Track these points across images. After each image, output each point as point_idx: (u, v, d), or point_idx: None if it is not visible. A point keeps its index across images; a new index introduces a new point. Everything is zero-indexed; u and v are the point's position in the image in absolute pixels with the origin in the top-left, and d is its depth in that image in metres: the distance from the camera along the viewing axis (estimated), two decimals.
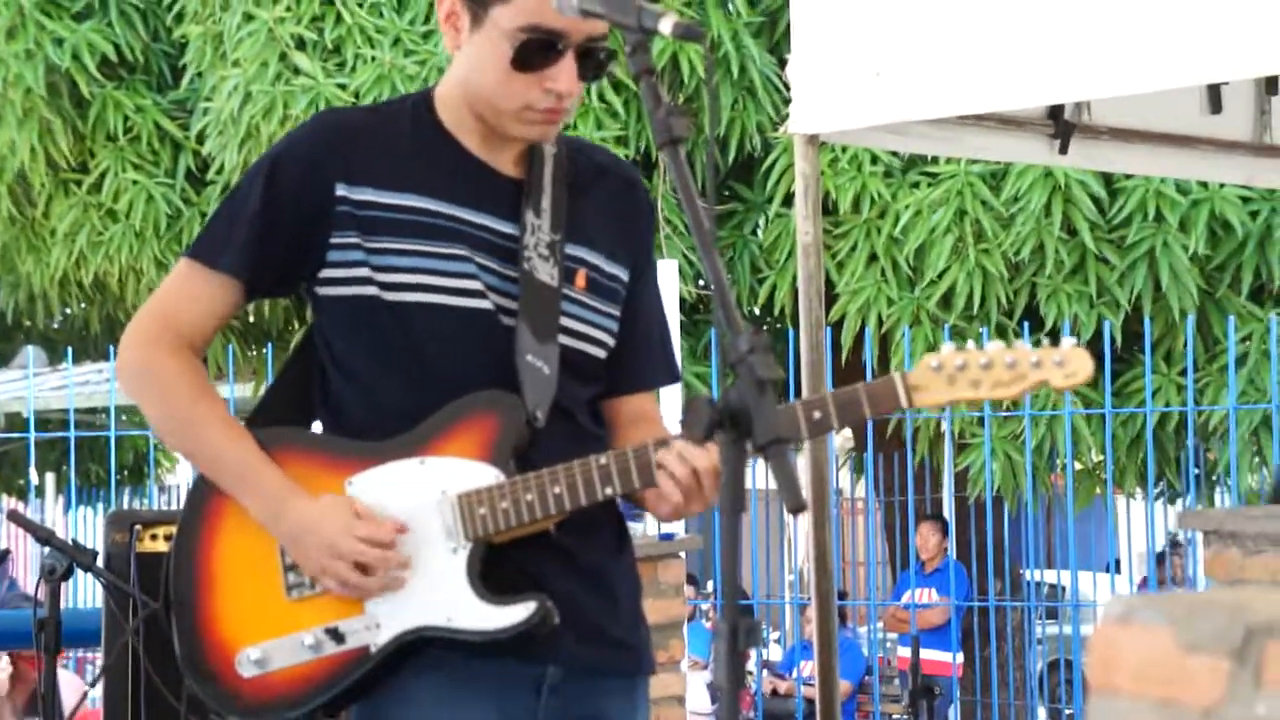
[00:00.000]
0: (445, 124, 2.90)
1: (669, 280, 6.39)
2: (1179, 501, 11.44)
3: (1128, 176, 9.81)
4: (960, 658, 11.58)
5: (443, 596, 2.80)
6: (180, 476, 17.90)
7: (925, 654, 10.61)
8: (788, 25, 8.39)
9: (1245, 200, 10.08)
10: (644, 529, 6.31)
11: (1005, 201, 10.24)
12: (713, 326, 10.49)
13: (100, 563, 4.40)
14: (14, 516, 4.88)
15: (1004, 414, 10.32)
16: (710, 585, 15.25)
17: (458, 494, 2.80)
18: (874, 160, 10.52)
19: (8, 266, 13.02)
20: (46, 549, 4.43)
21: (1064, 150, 5.77)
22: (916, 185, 10.48)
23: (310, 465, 2.86)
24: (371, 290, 2.82)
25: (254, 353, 12.62)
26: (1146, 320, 9.90)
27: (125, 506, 16.16)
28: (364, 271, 2.82)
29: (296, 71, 10.77)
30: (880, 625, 12.31)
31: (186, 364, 2.90)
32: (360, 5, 10.84)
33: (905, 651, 11.08)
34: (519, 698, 2.84)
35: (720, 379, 9.55)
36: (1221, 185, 9.74)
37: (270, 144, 10.37)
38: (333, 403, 2.91)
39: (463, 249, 2.83)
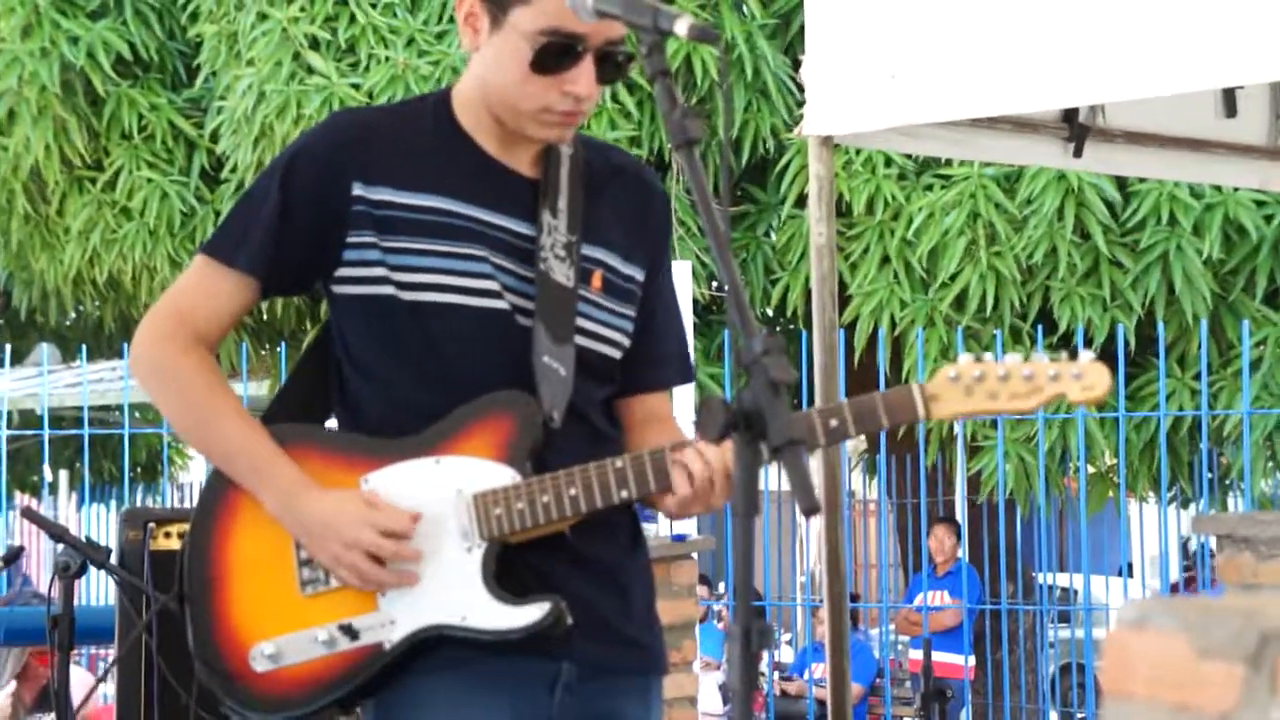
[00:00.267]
0: (463, 124, 2.90)
1: (683, 281, 6.39)
2: (1192, 506, 11.42)
3: (1141, 180, 9.80)
4: (972, 661, 11.56)
5: (457, 595, 2.80)
6: (194, 474, 17.91)
7: (937, 657, 10.59)
8: (801, 27, 8.37)
9: (1260, 204, 10.07)
10: (657, 530, 6.31)
11: (1018, 204, 10.24)
12: (726, 327, 10.49)
13: (114, 560, 4.41)
14: (28, 514, 4.90)
15: (1017, 417, 10.30)
16: (723, 586, 15.26)
17: (473, 494, 2.80)
18: (888, 163, 10.51)
19: (22, 264, 13.04)
20: (60, 546, 4.44)
21: (1078, 153, 5.76)
22: (930, 188, 10.48)
23: (326, 462, 2.87)
24: (388, 290, 2.82)
25: (267, 351, 12.63)
26: (1160, 324, 9.88)
27: (139, 504, 16.19)
28: (381, 271, 2.82)
29: (310, 71, 10.79)
30: (892, 628, 12.30)
31: (201, 360, 2.90)
32: (374, 5, 10.85)
33: (917, 654, 11.08)
34: (533, 696, 2.84)
35: (734, 380, 9.54)
36: (1236, 189, 9.73)
37: (284, 143, 10.48)
38: (350, 400, 2.91)
39: (479, 249, 2.83)
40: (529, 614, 2.79)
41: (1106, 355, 10.21)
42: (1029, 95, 4.85)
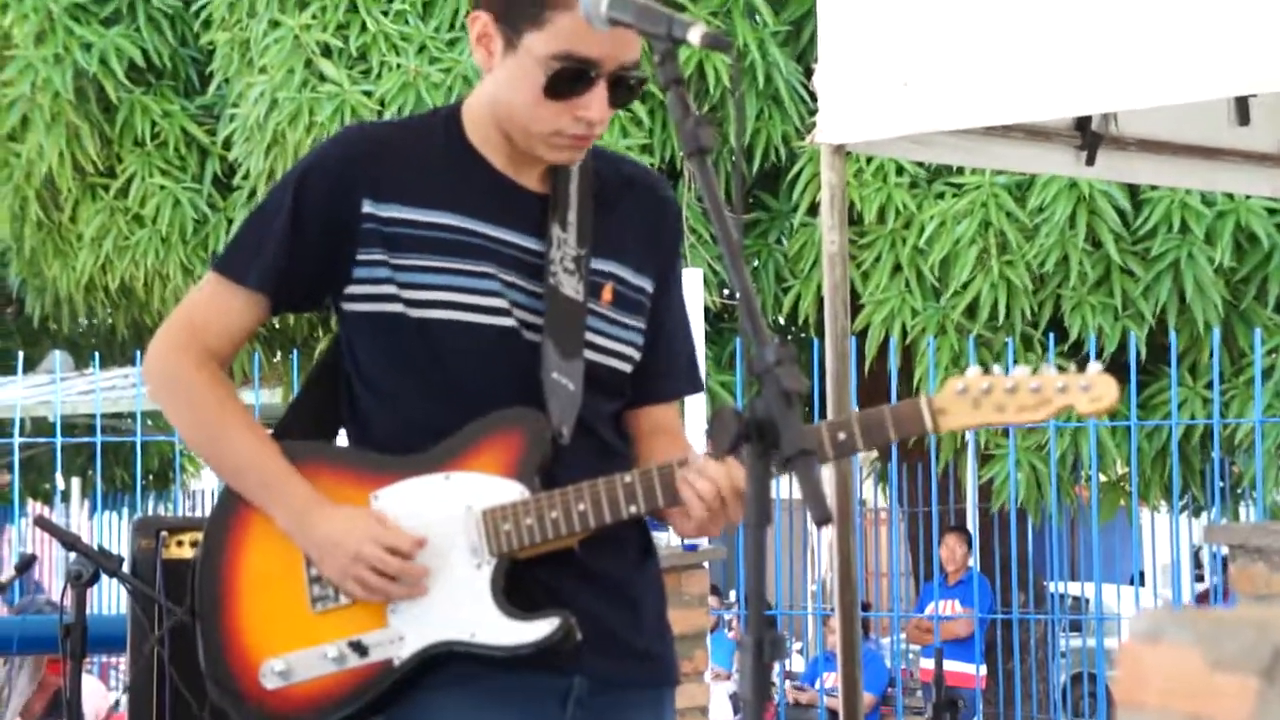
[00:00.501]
0: (472, 140, 2.89)
1: (694, 289, 6.39)
2: (1204, 514, 11.41)
3: (1153, 188, 9.79)
4: (983, 670, 11.55)
5: (466, 611, 2.80)
6: (205, 482, 17.94)
7: (948, 666, 10.58)
8: (813, 34, 8.36)
9: (1272, 212, 10.06)
10: (668, 539, 6.30)
11: (1030, 213, 10.23)
12: (737, 335, 10.49)
13: (126, 568, 4.41)
14: (41, 522, 4.90)
15: (1028, 426, 10.29)
16: (733, 595, 15.25)
17: (483, 510, 2.80)
18: (899, 171, 10.51)
19: (35, 271, 13.07)
20: (72, 554, 4.44)
21: (1091, 161, 5.75)
22: (941, 196, 10.47)
23: (336, 479, 2.87)
24: (398, 307, 2.82)
25: (279, 359, 12.64)
26: (1172, 332, 9.87)
27: (151, 512, 16.19)
28: (390, 289, 2.82)
29: (322, 78, 10.80)
30: (903, 637, 12.29)
31: (213, 375, 2.91)
32: (385, 13, 10.87)
33: (928, 663, 11.06)
34: (544, 711, 2.84)
35: (745, 388, 9.54)
36: (1248, 197, 9.72)
37: (296, 151, 10.51)
38: (359, 416, 2.92)
39: (488, 266, 2.83)
40: (538, 629, 2.79)
41: (1118, 364, 10.24)
42: (1041, 103, 4.84)
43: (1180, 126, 5.80)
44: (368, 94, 10.66)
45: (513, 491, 2.80)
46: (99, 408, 10.99)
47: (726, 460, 2.72)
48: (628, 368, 2.94)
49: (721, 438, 2.24)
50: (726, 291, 10.94)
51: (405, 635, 2.82)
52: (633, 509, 2.78)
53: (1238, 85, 4.75)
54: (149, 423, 11.37)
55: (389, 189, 2.84)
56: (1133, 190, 10.05)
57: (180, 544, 4.43)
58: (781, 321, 11.52)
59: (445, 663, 2.82)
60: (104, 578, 4.47)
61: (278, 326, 12.00)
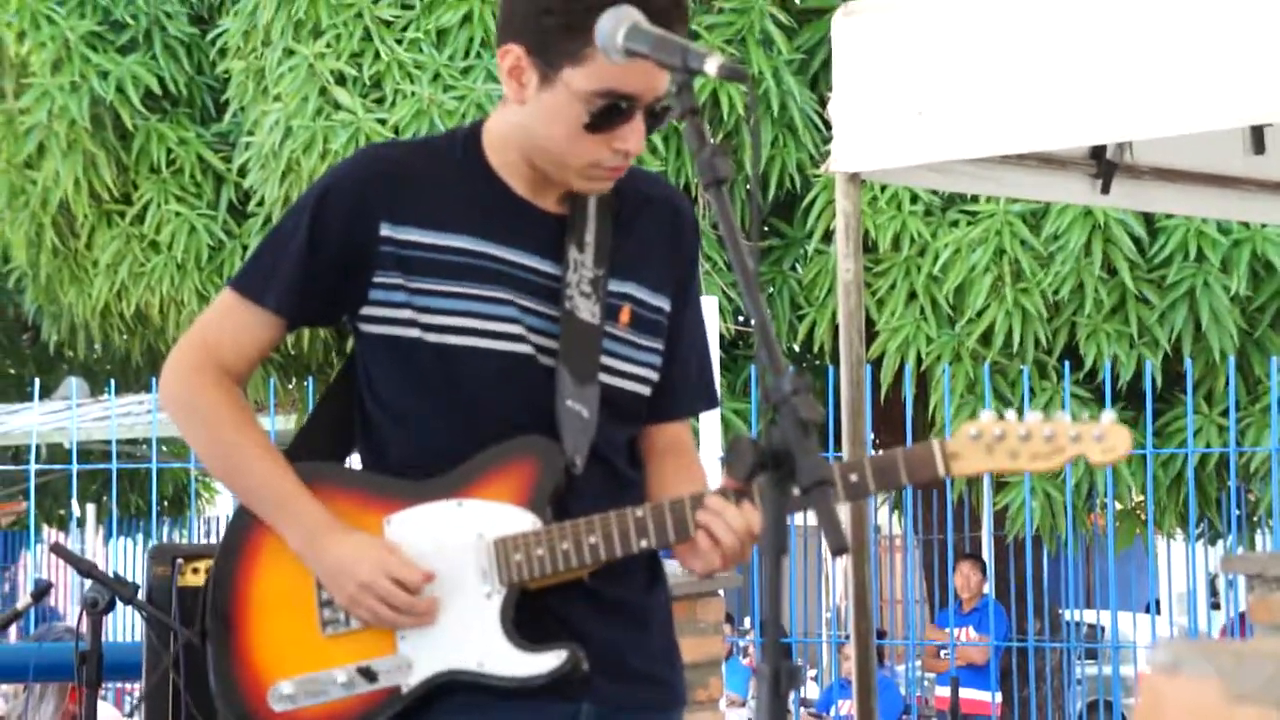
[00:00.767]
0: (492, 162, 2.89)
1: (709, 316, 6.39)
2: (1219, 542, 11.38)
3: (1168, 216, 9.78)
4: (999, 698, 11.52)
5: (475, 641, 2.80)
6: (221, 508, 17.95)
7: (964, 694, 10.56)
8: (827, 61, 8.36)
9: None
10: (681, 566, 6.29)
11: (1045, 240, 10.23)
12: (752, 363, 10.49)
13: (142, 596, 4.41)
14: (57, 549, 4.91)
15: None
16: (748, 622, 15.22)
17: (494, 539, 2.80)
18: (914, 199, 10.52)
19: (50, 297, 13.10)
20: (88, 582, 4.44)
21: (1106, 190, 5.76)
22: (956, 224, 10.48)
23: (349, 502, 2.87)
24: (414, 332, 2.82)
25: (294, 385, 12.66)
26: (1187, 360, 9.86)
27: (165, 538, 16.21)
28: (407, 313, 2.82)
29: (337, 106, 10.84)
30: (919, 664, 12.26)
31: (229, 394, 2.91)
32: (400, 41, 10.90)
33: (944, 691, 11.04)
34: None
35: (759, 415, 9.53)
36: (1264, 225, 9.71)
37: (311, 178, 10.53)
38: (373, 435, 2.92)
39: (505, 292, 2.82)
40: (546, 662, 2.79)
41: (1133, 391, 10.24)
42: (1057, 132, 4.85)
43: (1195, 155, 5.80)
44: (382, 122, 10.69)
45: (525, 521, 2.80)
46: (114, 434, 11.01)
47: (741, 503, 2.73)
48: (645, 390, 2.93)
49: (738, 467, 2.24)
50: (741, 318, 10.95)
51: (414, 663, 2.82)
52: (644, 543, 2.78)
53: (1253, 114, 4.75)
54: (164, 449, 11.40)
55: (406, 212, 2.84)
56: (1148, 218, 10.04)
57: (196, 571, 4.43)
58: (796, 349, 11.52)
59: (453, 691, 2.82)
60: (119, 605, 4.47)
61: (293, 353, 12.03)
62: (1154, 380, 9.82)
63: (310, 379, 11.33)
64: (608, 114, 2.75)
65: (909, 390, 9.86)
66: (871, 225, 10.38)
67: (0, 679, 6.48)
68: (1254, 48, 4.37)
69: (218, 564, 2.95)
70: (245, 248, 11.62)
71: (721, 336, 9.70)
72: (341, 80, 10.89)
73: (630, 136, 2.77)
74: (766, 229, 11.16)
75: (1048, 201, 9.67)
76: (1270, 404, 9.51)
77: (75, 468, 10.75)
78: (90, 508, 16.28)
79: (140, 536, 15.93)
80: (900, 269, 10.53)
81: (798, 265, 11.18)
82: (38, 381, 12.15)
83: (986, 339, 10.36)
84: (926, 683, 12.78)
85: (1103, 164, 5.72)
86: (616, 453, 2.90)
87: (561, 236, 2.87)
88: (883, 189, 10.35)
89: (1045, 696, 12.02)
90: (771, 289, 11.04)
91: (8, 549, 18.56)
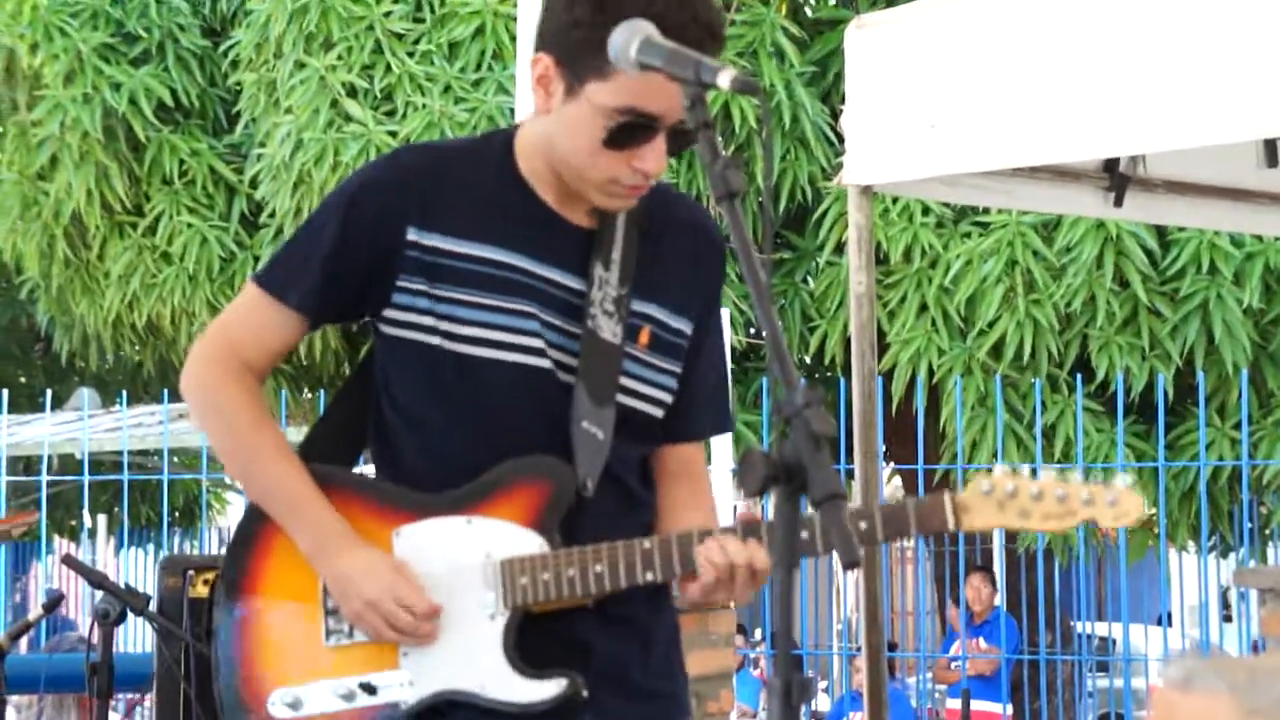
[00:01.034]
0: (523, 172, 2.88)
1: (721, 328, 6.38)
2: (1232, 555, 11.36)
3: (1181, 229, 9.77)
4: (1010, 710, 11.51)
5: (477, 663, 2.81)
6: (232, 519, 17.95)
7: (975, 706, 10.55)
8: (839, 74, 8.34)
9: None
10: None
11: (1057, 252, 10.22)
12: (763, 375, 10.49)
13: (153, 607, 4.42)
14: (69, 561, 4.92)
15: (1056, 465, 10.27)
16: (759, 634, 15.22)
17: (501, 559, 2.80)
18: (925, 210, 10.51)
19: (62, 308, 13.12)
20: (100, 593, 4.45)
21: (1119, 203, 5.76)
22: (968, 235, 10.46)
23: (361, 510, 2.87)
24: (435, 339, 2.82)
25: (306, 397, 12.67)
26: (1200, 373, 9.85)
27: (177, 549, 16.23)
28: (429, 320, 2.82)
29: (348, 119, 10.85)
30: (930, 676, 12.25)
31: (248, 391, 2.91)
32: (411, 53, 10.91)
33: (955, 704, 11.02)
34: None
35: (771, 427, 9.53)
36: (1277, 238, 9.69)
37: (322, 190, 10.55)
38: (386, 437, 2.91)
39: (528, 305, 2.82)
40: (546, 689, 2.79)
41: (1145, 404, 10.22)
42: (1069, 145, 4.85)
43: (1208, 168, 5.80)
44: (393, 134, 10.70)
45: (532, 544, 2.80)
46: (126, 445, 11.02)
47: (748, 540, 2.73)
48: (659, 412, 2.92)
49: (750, 480, 2.24)
50: (753, 330, 10.95)
51: (415, 680, 2.83)
52: (649, 576, 2.78)
53: (1265, 127, 4.75)
54: (175, 460, 11.41)
55: (436, 218, 2.83)
56: (1161, 230, 10.03)
57: (207, 583, 4.44)
58: (808, 361, 11.51)
59: (452, 710, 2.82)
60: (131, 616, 4.48)
61: (304, 364, 12.04)
62: (1166, 393, 9.80)
63: (322, 390, 11.34)
64: (628, 131, 2.73)
65: (920, 402, 9.85)
66: (883, 236, 10.37)
67: (12, 690, 6.47)
68: (1266, 61, 4.36)
69: (226, 564, 2.95)
70: (257, 259, 11.63)
71: (733, 348, 9.69)
72: (353, 92, 10.91)
73: (650, 156, 2.76)
74: (778, 241, 11.16)
75: (1060, 214, 9.67)
76: None
77: (87, 478, 10.75)
78: (101, 518, 16.31)
79: (151, 547, 15.96)
80: (912, 280, 10.52)
81: (809, 278, 11.17)
82: (49, 392, 12.16)
83: (998, 351, 10.35)
84: (938, 695, 12.76)
85: (1115, 177, 5.71)
86: (629, 472, 2.90)
87: (588, 251, 2.87)
88: (894, 200, 10.34)
89: (1057, 709, 11.99)
90: (783, 301, 11.03)
91: (19, 559, 18.58)
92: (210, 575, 4.43)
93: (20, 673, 6.27)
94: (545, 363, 2.82)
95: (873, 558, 5.10)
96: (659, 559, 2.77)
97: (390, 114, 10.88)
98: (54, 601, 5.39)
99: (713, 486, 3.15)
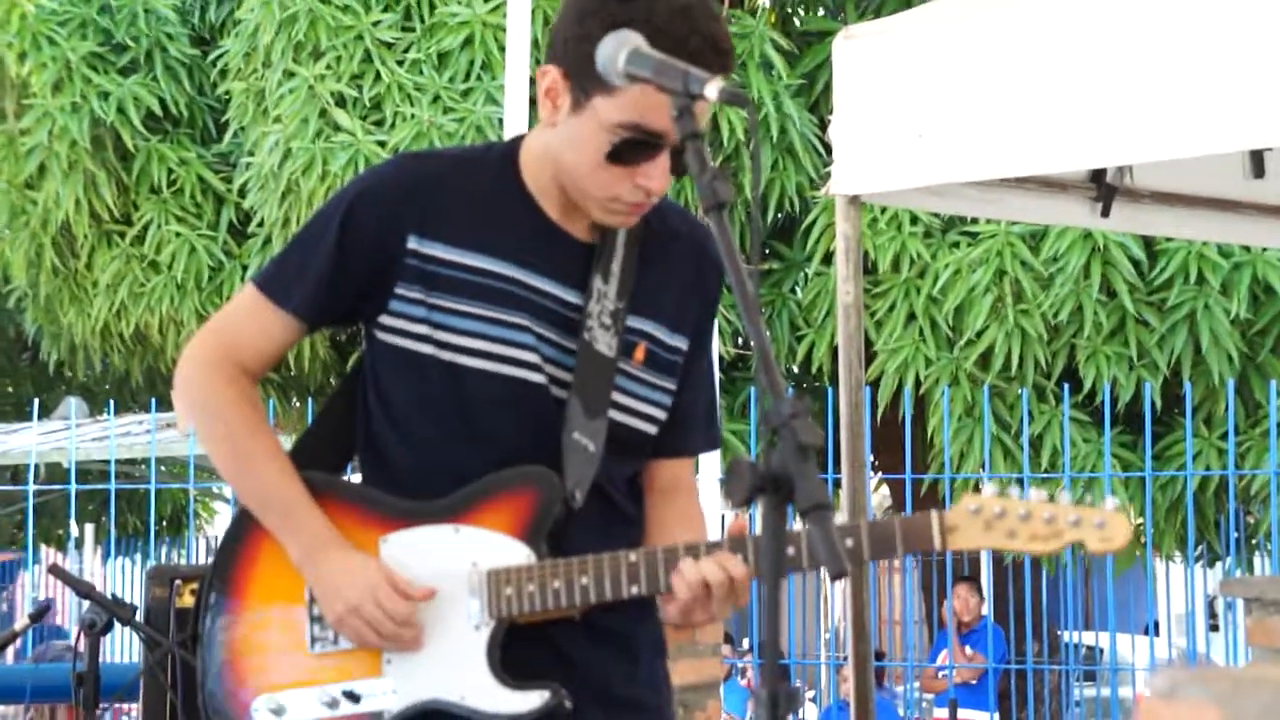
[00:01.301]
0: (527, 183, 2.88)
1: None
2: (1218, 565, 11.37)
3: (1168, 239, 9.79)
4: (997, 719, 11.51)
5: (460, 673, 2.80)
6: (218, 529, 17.93)
7: (962, 715, 10.55)
8: (827, 85, 8.34)
9: None
10: None
11: (1044, 262, 10.24)
12: (751, 385, 10.50)
13: (140, 617, 4.41)
14: (55, 570, 4.91)
15: (1043, 475, 10.29)
16: (746, 643, 15.21)
17: (487, 570, 2.80)
18: (913, 220, 10.53)
19: (50, 317, 13.11)
20: (86, 603, 4.44)
21: (1106, 213, 5.76)
22: (956, 245, 10.48)
23: (349, 517, 2.87)
24: (428, 348, 2.82)
25: (295, 405, 12.67)
26: (1187, 383, 9.86)
27: (164, 558, 16.20)
28: (424, 329, 2.82)
29: (336, 128, 10.85)
30: (917, 686, 12.25)
31: (243, 393, 2.91)
32: (400, 63, 10.91)
33: (942, 713, 11.02)
34: None
35: (758, 437, 9.53)
36: (1264, 249, 9.72)
37: (310, 199, 10.54)
38: (375, 445, 2.91)
39: (525, 318, 2.82)
40: (529, 701, 2.79)
41: (1132, 414, 10.24)
42: (1057, 155, 4.85)
43: (1195, 179, 5.81)
44: (381, 144, 10.70)
45: (519, 554, 2.79)
46: (113, 454, 11.01)
47: (730, 556, 2.72)
48: (652, 429, 2.92)
49: (736, 489, 2.24)
50: (741, 340, 10.96)
51: (398, 689, 2.83)
52: (634, 589, 2.77)
53: (1252, 138, 4.76)
54: (163, 469, 11.39)
55: (435, 227, 2.83)
56: (1148, 241, 10.05)
57: (194, 592, 4.43)
58: (795, 370, 11.52)
59: (435, 718, 2.82)
60: (117, 626, 4.47)
61: (293, 373, 12.03)
62: (1153, 403, 9.82)
63: (310, 399, 11.33)
64: (632, 147, 2.73)
65: (908, 412, 9.86)
66: (871, 246, 10.38)
67: None
68: (1253, 72, 4.37)
69: (213, 569, 2.95)
70: (245, 268, 11.63)
71: (721, 358, 9.70)
72: (341, 102, 10.91)
73: (653, 174, 2.75)
74: (766, 251, 11.18)
75: (1047, 224, 9.68)
76: (1270, 427, 9.50)
77: (74, 488, 10.74)
78: (89, 528, 16.29)
79: (138, 556, 15.93)
80: (900, 290, 10.53)
81: (797, 288, 11.19)
82: (37, 401, 12.16)
83: (986, 361, 10.36)
84: (925, 704, 12.77)
85: (1103, 187, 5.72)
86: (617, 487, 2.90)
87: (588, 265, 2.86)
88: (882, 210, 10.36)
89: (1044, 718, 12.00)
90: (771, 311, 11.05)
91: (6, 569, 18.55)
92: (197, 585, 4.42)
93: (6, 682, 6.26)
94: (540, 378, 2.82)
95: (861, 571, 5.10)
96: (644, 573, 2.77)
97: (379, 124, 10.88)
98: (40, 612, 5.38)
99: (701, 497, 3.15)
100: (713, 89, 2.43)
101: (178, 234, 11.75)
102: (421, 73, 10.87)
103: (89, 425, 14.59)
